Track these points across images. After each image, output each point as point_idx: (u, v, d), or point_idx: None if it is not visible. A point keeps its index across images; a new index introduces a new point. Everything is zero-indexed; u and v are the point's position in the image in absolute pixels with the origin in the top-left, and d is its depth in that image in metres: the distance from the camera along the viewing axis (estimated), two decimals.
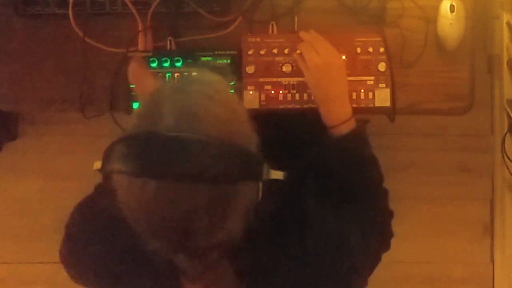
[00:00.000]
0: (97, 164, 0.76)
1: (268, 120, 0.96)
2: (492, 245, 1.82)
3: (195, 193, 0.71)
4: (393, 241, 1.09)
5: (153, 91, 0.80)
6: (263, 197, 0.77)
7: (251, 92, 1.14)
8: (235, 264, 0.81)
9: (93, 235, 0.94)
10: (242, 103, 0.82)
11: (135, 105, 1.15)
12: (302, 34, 1.12)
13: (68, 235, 1.01)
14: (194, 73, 0.91)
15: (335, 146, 1.05)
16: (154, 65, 1.15)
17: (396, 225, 1.11)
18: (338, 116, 1.05)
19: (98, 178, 1.03)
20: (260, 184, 0.76)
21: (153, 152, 0.71)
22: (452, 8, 1.16)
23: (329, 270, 0.89)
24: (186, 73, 0.94)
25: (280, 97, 1.15)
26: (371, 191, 1.07)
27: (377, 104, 1.16)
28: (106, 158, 0.74)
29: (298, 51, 1.11)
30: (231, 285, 0.81)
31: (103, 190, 1.00)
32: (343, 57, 1.14)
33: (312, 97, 1.11)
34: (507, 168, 1.57)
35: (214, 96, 0.77)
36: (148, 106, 0.78)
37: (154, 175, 0.70)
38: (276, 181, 0.77)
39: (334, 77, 1.07)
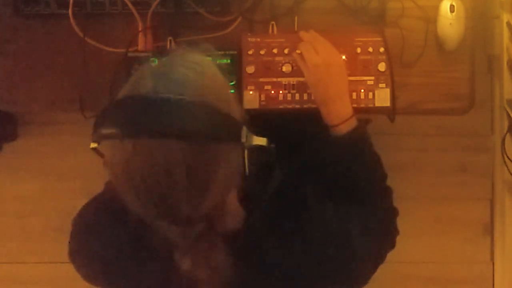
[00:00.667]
0: (93, 144, 0.79)
1: (268, 120, 0.96)
2: (492, 245, 1.82)
3: (171, 151, 0.71)
4: None
5: (141, 67, 0.83)
6: (261, 183, 0.77)
7: (251, 92, 1.15)
8: (230, 245, 0.81)
9: (97, 231, 0.94)
10: (224, 79, 0.83)
11: None
12: (302, 34, 1.12)
13: (74, 231, 1.01)
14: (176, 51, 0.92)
15: (336, 144, 1.05)
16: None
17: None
18: (339, 115, 1.06)
19: (101, 179, 1.03)
20: (246, 152, 0.77)
21: (129, 113, 0.73)
22: (452, 8, 1.16)
23: (327, 266, 0.89)
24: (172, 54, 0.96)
25: (280, 97, 1.15)
26: (374, 189, 1.07)
27: (377, 104, 1.16)
28: (95, 127, 0.78)
29: (298, 51, 1.11)
30: (222, 262, 0.80)
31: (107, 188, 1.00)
32: (343, 57, 1.14)
33: (312, 97, 1.11)
34: (507, 168, 1.56)
35: (195, 68, 0.79)
36: (131, 79, 0.79)
37: (130, 134, 0.72)
38: (266, 154, 0.78)
39: (334, 77, 1.07)
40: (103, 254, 0.93)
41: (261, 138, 0.78)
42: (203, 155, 0.73)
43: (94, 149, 0.79)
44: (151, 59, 0.96)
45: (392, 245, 1.08)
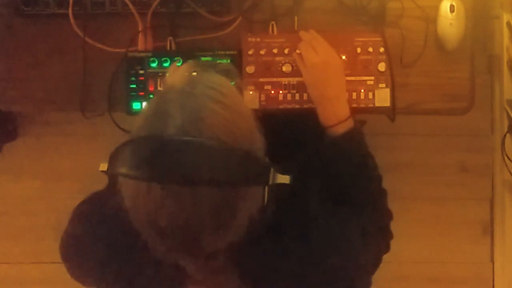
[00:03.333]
0: (103, 166, 0.76)
1: (268, 120, 0.96)
2: (492, 245, 1.82)
3: (200, 198, 0.71)
4: (393, 241, 1.09)
5: (160, 93, 0.80)
6: (268, 199, 0.77)
7: (251, 92, 1.14)
8: (239, 266, 0.81)
9: (98, 233, 0.93)
10: (248, 107, 0.81)
11: (136, 105, 1.15)
12: (302, 33, 1.12)
13: (72, 227, 1.00)
14: (195, 73, 0.89)
15: (331, 146, 1.05)
16: (154, 65, 1.15)
17: (397, 225, 1.11)
18: (336, 116, 1.05)
19: (101, 179, 1.03)
20: (266, 189, 0.76)
21: (159, 156, 0.71)
22: (452, 8, 1.16)
23: (332, 271, 0.89)
24: (194, 73, 0.92)
25: (280, 97, 1.15)
26: (369, 191, 1.07)
27: (377, 104, 1.16)
28: (113, 161, 0.74)
29: (298, 51, 1.11)
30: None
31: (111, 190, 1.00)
32: (343, 57, 1.14)
33: (310, 96, 1.11)
34: (507, 168, 1.57)
35: (220, 98, 0.77)
36: (155, 109, 0.77)
37: (160, 180, 0.70)
38: (281, 184, 0.77)
39: (331, 77, 1.07)
40: (98, 259, 0.92)
41: (285, 176, 0.77)
42: (232, 199, 0.73)
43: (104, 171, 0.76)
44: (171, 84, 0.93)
45: (387, 248, 1.07)
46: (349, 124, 1.06)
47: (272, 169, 0.76)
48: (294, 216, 0.91)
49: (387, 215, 1.10)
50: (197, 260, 0.77)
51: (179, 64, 1.15)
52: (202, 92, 0.77)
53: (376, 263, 1.02)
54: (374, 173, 1.09)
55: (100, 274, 0.94)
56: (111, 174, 0.75)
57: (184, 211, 0.71)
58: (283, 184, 0.77)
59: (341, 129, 1.05)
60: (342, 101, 1.07)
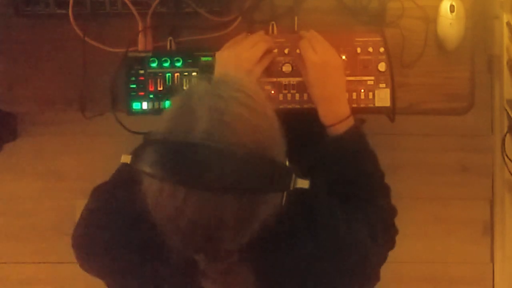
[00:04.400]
0: (126, 158, 0.76)
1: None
2: (492, 245, 1.82)
3: (224, 203, 0.72)
4: None
5: (186, 93, 0.79)
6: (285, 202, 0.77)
7: None
8: (252, 266, 0.82)
9: (111, 224, 0.93)
10: (273, 109, 0.82)
11: (136, 105, 1.15)
12: (302, 33, 1.12)
13: (85, 219, 1.00)
14: (226, 76, 0.88)
15: (333, 144, 1.05)
16: (154, 65, 1.15)
17: (397, 225, 1.12)
18: (336, 115, 1.05)
19: (101, 179, 1.03)
20: (285, 193, 0.77)
21: (185, 160, 0.71)
22: (452, 8, 1.16)
23: (343, 270, 0.90)
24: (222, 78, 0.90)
25: (280, 97, 1.15)
26: (373, 187, 1.08)
27: (377, 104, 1.16)
28: (137, 158, 0.75)
29: (298, 51, 1.11)
30: (248, 285, 0.82)
31: (125, 181, 1.01)
32: (343, 57, 1.14)
33: (310, 96, 1.10)
34: (507, 168, 1.56)
35: (247, 101, 0.76)
36: (181, 110, 0.77)
37: (185, 183, 0.71)
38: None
39: (331, 76, 1.07)
40: (110, 250, 0.92)
41: (304, 181, 0.77)
42: (253, 205, 0.74)
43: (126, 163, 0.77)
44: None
45: (392, 244, 1.08)
46: (349, 123, 1.06)
47: (293, 175, 0.77)
48: (303, 216, 0.91)
49: (392, 211, 1.10)
50: (212, 259, 0.78)
51: (178, 64, 1.15)
52: (229, 95, 0.76)
53: (382, 257, 1.02)
54: (376, 170, 1.09)
55: (107, 262, 0.94)
56: (135, 170, 0.75)
57: (205, 215, 0.72)
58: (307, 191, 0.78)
59: (341, 128, 1.05)
60: (342, 100, 1.07)
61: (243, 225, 0.75)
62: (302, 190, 0.79)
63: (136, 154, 0.75)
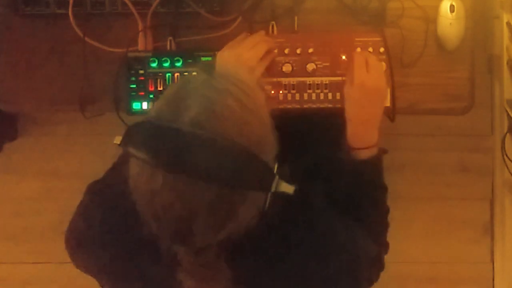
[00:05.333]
0: (118, 139, 0.77)
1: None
2: (492, 245, 1.82)
3: (200, 192, 0.71)
4: (393, 241, 1.09)
5: (183, 80, 0.81)
6: (269, 205, 0.76)
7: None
8: (232, 265, 0.81)
9: (102, 220, 0.93)
10: (269, 112, 0.81)
11: (136, 105, 1.15)
12: (355, 53, 1.10)
13: (76, 214, 1.00)
14: (227, 70, 0.88)
15: (351, 167, 1.05)
16: (154, 65, 1.15)
17: (397, 225, 1.12)
18: (364, 140, 1.05)
19: (102, 175, 1.04)
20: (269, 196, 0.76)
21: (167, 144, 0.71)
22: (452, 8, 1.16)
23: (336, 273, 0.89)
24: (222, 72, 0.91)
25: (280, 97, 1.15)
26: (377, 214, 1.07)
27: None
28: (126, 138, 0.76)
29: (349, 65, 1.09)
30: (225, 283, 0.81)
31: (117, 168, 1.01)
32: (343, 57, 1.14)
33: (345, 114, 1.06)
34: (507, 168, 1.56)
35: (241, 97, 0.76)
36: (174, 95, 0.77)
37: (164, 167, 0.71)
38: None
39: (374, 101, 1.05)
40: (103, 249, 0.92)
41: (289, 186, 0.76)
42: (230, 199, 0.73)
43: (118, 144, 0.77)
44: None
45: (386, 251, 1.08)
46: (373, 152, 1.05)
47: (277, 177, 0.75)
48: (297, 217, 0.90)
49: (384, 249, 1.10)
50: (188, 251, 0.78)
51: (178, 64, 1.15)
52: (225, 88, 0.76)
53: (379, 267, 1.03)
54: (382, 204, 1.09)
55: (95, 258, 0.94)
56: (123, 146, 0.76)
57: (179, 202, 0.71)
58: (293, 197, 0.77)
59: (364, 154, 1.04)
60: (375, 127, 1.05)
61: (218, 221, 0.74)
62: (297, 191, 0.79)
63: (126, 134, 0.76)
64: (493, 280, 1.82)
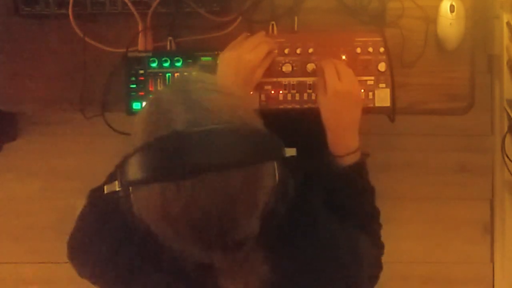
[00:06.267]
0: (110, 187, 0.75)
1: (270, 121, 0.96)
2: (492, 245, 1.82)
3: (229, 180, 0.71)
4: (393, 241, 1.10)
5: (152, 99, 0.79)
6: (277, 197, 0.77)
7: (251, 92, 1.14)
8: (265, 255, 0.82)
9: (105, 233, 0.93)
10: (235, 89, 0.84)
11: (136, 105, 1.15)
12: (324, 62, 1.10)
13: (78, 228, 1.00)
14: (179, 76, 0.89)
15: (335, 175, 1.05)
16: (154, 65, 1.15)
17: (396, 225, 1.12)
18: (345, 147, 1.05)
19: (101, 179, 1.03)
20: (275, 164, 0.76)
21: (181, 152, 0.70)
22: (452, 8, 1.16)
23: (338, 274, 0.90)
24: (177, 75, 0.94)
25: (280, 97, 1.15)
26: (369, 216, 1.09)
27: (377, 104, 1.16)
28: (124, 173, 0.73)
29: (315, 79, 1.10)
30: (266, 276, 0.81)
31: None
32: (343, 57, 1.14)
33: (324, 123, 1.07)
34: (507, 168, 1.56)
35: (215, 88, 0.78)
36: (155, 113, 0.76)
37: (189, 175, 0.70)
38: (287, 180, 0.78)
39: (349, 107, 1.05)
40: (105, 259, 0.92)
41: (291, 149, 0.78)
42: (257, 177, 0.74)
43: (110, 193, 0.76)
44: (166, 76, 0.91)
45: (382, 252, 1.09)
46: (356, 157, 1.06)
47: (282, 144, 0.77)
48: (300, 219, 0.91)
49: (378, 249, 1.11)
50: (226, 252, 0.77)
51: (178, 64, 1.15)
52: (195, 88, 0.78)
53: (378, 269, 1.03)
54: (369, 204, 1.10)
55: (99, 272, 0.93)
56: (126, 187, 0.73)
57: (216, 198, 0.71)
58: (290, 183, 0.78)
59: (347, 161, 1.05)
60: (354, 133, 1.06)
61: (250, 203, 0.74)
62: (298, 195, 0.80)
63: (122, 171, 0.74)
64: (493, 280, 1.82)
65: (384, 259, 1.07)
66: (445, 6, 1.17)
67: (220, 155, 0.70)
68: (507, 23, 1.52)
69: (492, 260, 1.82)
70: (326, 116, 1.06)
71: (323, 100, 1.06)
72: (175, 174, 0.70)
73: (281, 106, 1.15)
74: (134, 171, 0.72)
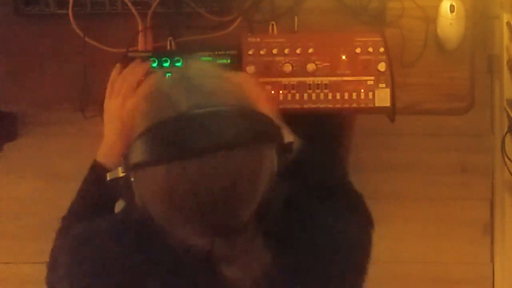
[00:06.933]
0: (113, 174, 0.76)
1: None
2: (492, 245, 1.82)
3: (234, 159, 0.72)
4: (393, 241, 1.09)
5: (152, 88, 0.81)
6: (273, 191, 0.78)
7: None
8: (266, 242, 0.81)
9: (86, 263, 0.88)
10: (235, 77, 0.85)
11: None
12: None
13: (54, 264, 0.97)
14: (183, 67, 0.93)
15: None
16: (154, 65, 1.15)
17: (396, 225, 1.12)
18: None
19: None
20: (274, 151, 0.78)
21: (186, 133, 0.71)
22: (452, 8, 1.16)
23: (335, 262, 0.89)
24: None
25: (280, 97, 1.15)
26: (334, 182, 1.06)
27: (377, 104, 1.16)
28: (128, 158, 0.74)
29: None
30: (268, 263, 0.81)
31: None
32: (343, 57, 1.14)
33: None
34: (507, 168, 1.57)
35: (212, 73, 0.80)
36: (156, 101, 0.77)
37: (195, 155, 0.70)
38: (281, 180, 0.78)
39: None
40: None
41: (290, 135, 0.80)
42: (260, 158, 0.75)
43: (112, 180, 0.77)
44: (162, 76, 0.92)
45: (372, 226, 1.05)
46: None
47: (281, 128, 0.79)
48: (294, 215, 0.90)
49: (360, 196, 1.09)
50: (229, 237, 0.77)
51: (178, 64, 1.15)
52: (193, 74, 0.80)
53: (369, 247, 1.00)
54: (338, 173, 1.09)
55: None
56: (131, 170, 0.74)
57: (222, 179, 0.71)
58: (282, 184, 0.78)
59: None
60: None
61: (253, 184, 0.74)
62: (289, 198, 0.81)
63: (127, 156, 0.74)
64: (493, 280, 1.82)
65: (384, 259, 1.07)
66: (445, 6, 1.17)
67: (224, 135, 0.71)
68: (507, 23, 1.52)
69: (492, 260, 1.82)
70: None
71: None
72: (180, 155, 0.70)
73: (281, 106, 1.15)
74: (138, 154, 0.73)
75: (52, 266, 0.98)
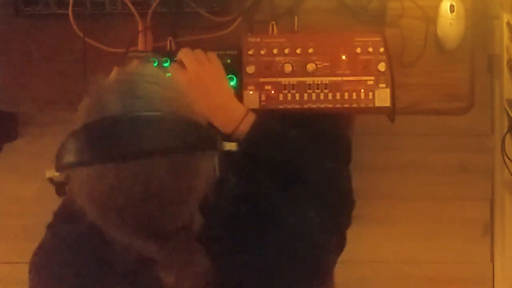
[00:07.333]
0: (50, 173, 0.78)
1: None
2: (492, 245, 1.82)
3: (153, 167, 0.71)
4: (393, 241, 1.09)
5: (94, 88, 0.81)
6: (220, 194, 0.78)
7: (251, 92, 1.14)
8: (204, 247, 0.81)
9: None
10: (180, 85, 0.86)
11: None
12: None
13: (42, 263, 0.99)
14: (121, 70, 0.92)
15: (247, 145, 1.01)
16: (154, 65, 1.15)
17: (396, 225, 1.12)
18: (232, 119, 1.04)
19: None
20: (216, 159, 0.78)
21: (108, 136, 0.72)
22: (452, 8, 1.16)
23: (293, 258, 0.88)
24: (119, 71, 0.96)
25: (280, 97, 1.15)
26: (307, 169, 1.03)
27: (377, 104, 1.16)
28: (59, 158, 0.76)
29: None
30: (204, 266, 0.80)
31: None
32: (343, 57, 1.14)
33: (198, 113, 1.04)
34: (507, 168, 1.57)
35: (152, 79, 0.79)
36: (92, 101, 0.78)
37: (113, 159, 0.71)
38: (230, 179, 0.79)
39: (209, 86, 1.05)
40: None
41: (231, 143, 0.79)
42: (186, 168, 0.74)
43: (50, 179, 0.78)
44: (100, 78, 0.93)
45: (349, 221, 1.04)
46: (250, 119, 1.04)
47: (219, 137, 0.78)
48: (250, 211, 0.90)
49: (339, 189, 1.06)
50: (160, 241, 0.77)
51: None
52: (132, 78, 0.80)
53: (341, 242, 0.99)
54: (304, 150, 1.06)
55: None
56: (63, 170, 0.76)
57: (140, 185, 0.71)
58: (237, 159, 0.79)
59: (244, 127, 1.03)
60: (232, 104, 1.06)
61: (180, 195, 0.74)
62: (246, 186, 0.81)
63: (58, 156, 0.76)
64: (493, 280, 1.82)
65: (384, 259, 1.06)
66: (445, 6, 1.17)
67: (145, 142, 0.71)
68: (507, 23, 1.52)
69: (492, 260, 1.82)
70: (198, 108, 0.98)
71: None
72: (99, 158, 0.71)
73: (281, 106, 1.15)
74: (65, 155, 0.75)
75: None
